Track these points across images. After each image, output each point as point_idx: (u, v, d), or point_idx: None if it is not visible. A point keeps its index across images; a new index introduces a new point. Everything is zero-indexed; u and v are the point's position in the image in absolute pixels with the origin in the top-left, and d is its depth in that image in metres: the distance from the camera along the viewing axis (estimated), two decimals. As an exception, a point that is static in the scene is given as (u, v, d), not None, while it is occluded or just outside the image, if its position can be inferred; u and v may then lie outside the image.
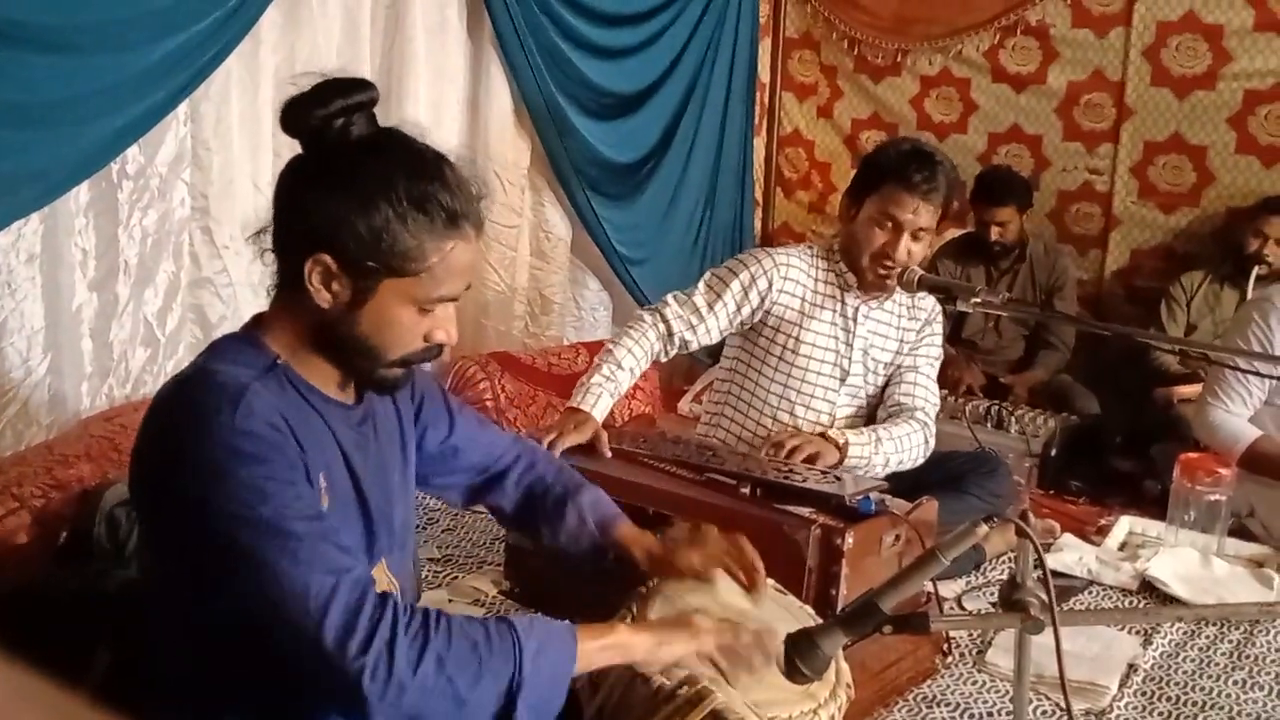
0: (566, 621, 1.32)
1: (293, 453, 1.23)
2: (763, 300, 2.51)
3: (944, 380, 3.73)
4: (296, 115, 1.26)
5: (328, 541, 1.21)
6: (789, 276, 2.52)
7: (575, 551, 1.67)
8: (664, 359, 2.58)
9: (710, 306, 2.49)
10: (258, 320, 1.36)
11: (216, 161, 2.79)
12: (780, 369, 2.57)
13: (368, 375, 1.35)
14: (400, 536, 1.47)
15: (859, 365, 2.59)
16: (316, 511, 1.23)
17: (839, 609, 1.90)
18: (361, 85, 1.28)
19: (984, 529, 1.33)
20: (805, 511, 1.97)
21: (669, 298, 2.55)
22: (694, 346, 2.55)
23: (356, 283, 1.26)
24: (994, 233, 3.88)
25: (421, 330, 1.32)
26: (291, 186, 1.29)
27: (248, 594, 1.20)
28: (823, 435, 2.43)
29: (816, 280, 2.56)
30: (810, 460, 2.32)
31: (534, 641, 1.24)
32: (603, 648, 1.33)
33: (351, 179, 1.25)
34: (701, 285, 2.54)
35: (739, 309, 2.51)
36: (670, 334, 2.49)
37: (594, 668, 1.35)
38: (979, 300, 2.22)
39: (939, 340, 2.69)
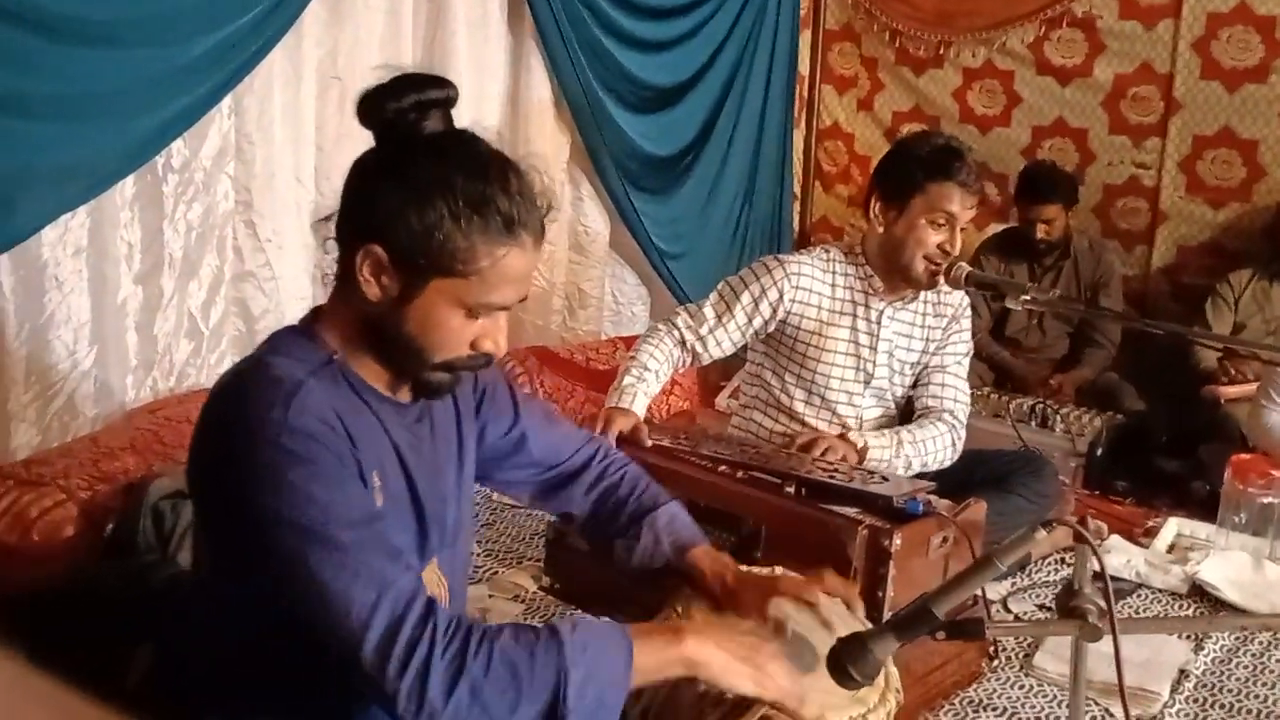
0: (625, 636, 1.26)
1: (344, 451, 1.23)
2: (774, 311, 2.48)
3: (1042, 388, 3.70)
4: (371, 106, 1.26)
5: (375, 550, 1.20)
6: (801, 285, 2.47)
7: (647, 570, 1.60)
8: (683, 368, 2.57)
9: (719, 319, 2.48)
10: (316, 314, 1.36)
11: (259, 155, 2.80)
12: (804, 375, 2.54)
13: (412, 376, 1.33)
14: (452, 535, 1.45)
15: (884, 368, 2.55)
16: (366, 515, 1.22)
17: (885, 611, 1.88)
18: (438, 82, 1.27)
19: (1042, 534, 1.30)
20: (852, 512, 1.94)
21: (680, 310, 2.54)
22: (706, 359, 2.53)
23: (405, 278, 1.25)
24: (1040, 230, 3.82)
25: (468, 336, 1.29)
26: (358, 177, 1.29)
27: (292, 600, 1.20)
28: (842, 436, 2.41)
29: (835, 286, 2.51)
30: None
31: (581, 669, 1.19)
32: (665, 663, 1.27)
33: (412, 173, 1.23)
34: (712, 297, 2.51)
35: (749, 321, 2.48)
36: (684, 343, 2.48)
37: (653, 681, 1.30)
38: (1028, 298, 2.19)
39: (967, 336, 2.65)
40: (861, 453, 2.36)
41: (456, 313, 1.26)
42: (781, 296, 2.46)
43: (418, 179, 1.23)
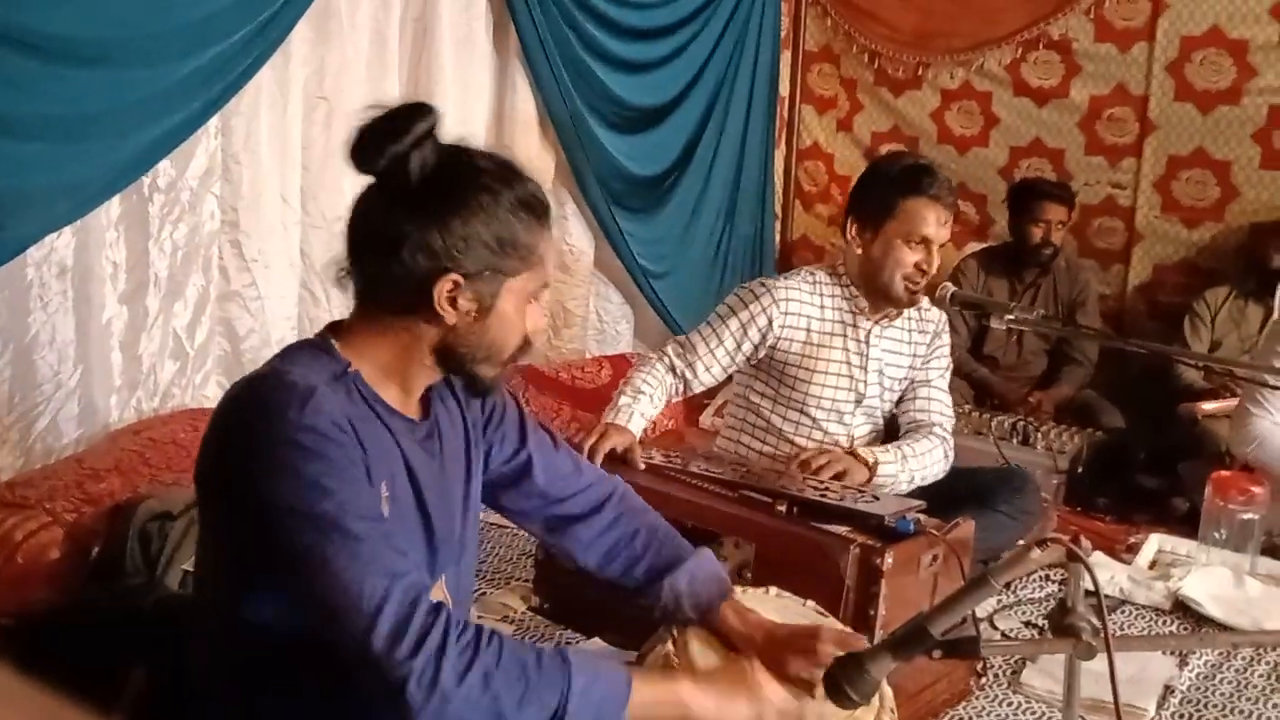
0: (624, 668, 1.30)
1: (356, 453, 1.24)
2: (764, 337, 2.48)
3: (1021, 405, 3.73)
4: (371, 152, 1.27)
5: (386, 543, 1.22)
6: (790, 310, 2.48)
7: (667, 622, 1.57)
8: (676, 396, 2.58)
9: (708, 346, 2.49)
10: (334, 328, 1.38)
11: (246, 175, 2.80)
12: (794, 398, 2.55)
13: (485, 380, 1.38)
14: (459, 553, 1.46)
15: (875, 386, 2.57)
16: (377, 513, 1.24)
17: (877, 629, 1.89)
18: (424, 111, 1.29)
19: (1037, 553, 1.32)
20: (843, 531, 1.95)
21: (671, 341, 2.57)
22: (697, 387, 2.54)
23: (483, 292, 1.31)
24: (1051, 231, 3.83)
25: (530, 324, 1.37)
26: (392, 218, 1.28)
27: (303, 591, 1.20)
28: (851, 453, 2.42)
29: (823, 308, 2.52)
30: (838, 478, 2.31)
31: (584, 677, 1.22)
32: (659, 702, 1.30)
33: (462, 198, 1.28)
34: (701, 325, 2.53)
35: (739, 347, 2.49)
36: (674, 371, 2.49)
37: (649, 717, 1.30)
38: (1013, 317, 2.21)
39: (948, 351, 2.69)
40: (872, 469, 2.37)
41: (524, 304, 1.36)
42: (771, 323, 2.47)
43: (470, 201, 1.28)
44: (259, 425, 1.22)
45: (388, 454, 1.32)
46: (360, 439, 1.25)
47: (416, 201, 1.28)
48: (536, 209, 1.33)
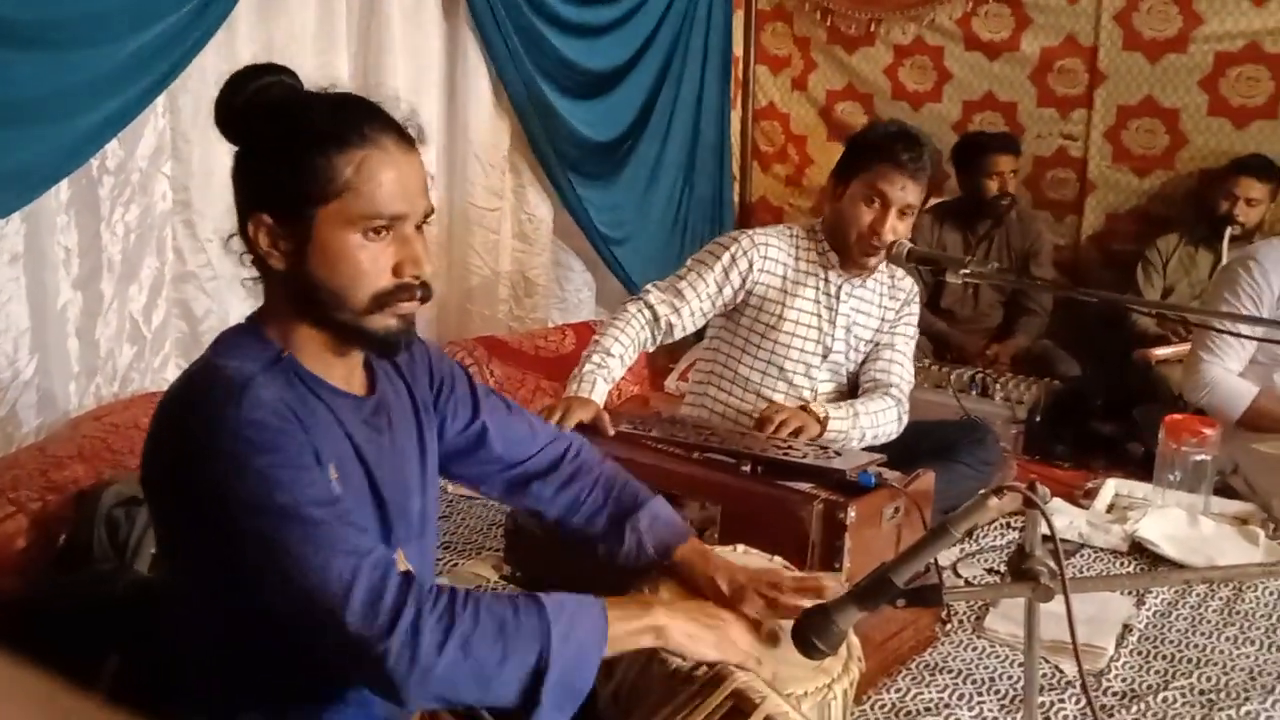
0: (598, 601, 1.30)
1: (302, 439, 1.23)
2: (744, 280, 2.55)
3: (979, 357, 3.80)
4: (226, 127, 1.31)
5: (346, 524, 1.21)
6: (769, 256, 2.55)
7: (632, 569, 1.60)
8: (650, 348, 2.61)
9: (693, 289, 2.52)
10: (260, 313, 1.36)
11: (196, 153, 2.76)
12: (763, 347, 2.60)
13: (356, 330, 1.31)
14: (419, 527, 1.46)
15: (841, 342, 2.62)
16: (331, 496, 1.23)
17: (843, 582, 1.93)
18: (269, 69, 1.31)
19: (995, 501, 1.35)
20: (806, 487, 1.99)
21: (650, 287, 2.58)
22: (679, 332, 2.57)
23: (293, 226, 1.26)
24: (1006, 183, 3.90)
25: (383, 263, 1.29)
26: (234, 180, 1.33)
27: (269, 582, 1.20)
28: (804, 408, 2.46)
29: (798, 259, 2.59)
30: (794, 434, 2.35)
31: (562, 624, 1.23)
32: (636, 631, 1.32)
33: (260, 139, 1.28)
34: (682, 270, 2.57)
35: (720, 290, 2.54)
36: (656, 319, 2.51)
37: (625, 650, 1.34)
38: (969, 271, 2.25)
39: (916, 319, 2.75)
40: (824, 423, 2.42)
41: (351, 236, 1.27)
42: (751, 266, 2.54)
43: (268, 138, 1.27)
44: (201, 425, 1.21)
45: (332, 436, 1.31)
46: (303, 424, 1.25)
47: (240, 154, 1.30)
48: (340, 130, 1.26)
